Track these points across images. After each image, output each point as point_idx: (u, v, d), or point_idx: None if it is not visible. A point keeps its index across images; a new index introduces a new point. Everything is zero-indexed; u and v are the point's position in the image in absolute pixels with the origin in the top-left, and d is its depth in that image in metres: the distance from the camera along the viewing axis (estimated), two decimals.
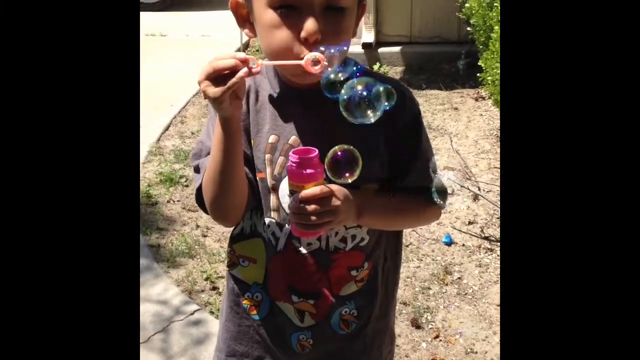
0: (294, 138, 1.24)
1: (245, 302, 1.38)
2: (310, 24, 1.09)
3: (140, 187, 3.87)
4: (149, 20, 8.25)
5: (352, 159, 1.15)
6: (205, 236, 3.41)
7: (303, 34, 1.10)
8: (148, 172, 4.12)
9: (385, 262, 1.38)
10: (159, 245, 3.32)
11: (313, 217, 1.15)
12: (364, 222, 1.28)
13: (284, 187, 1.23)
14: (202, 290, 2.97)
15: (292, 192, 1.17)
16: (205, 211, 1.28)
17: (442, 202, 1.38)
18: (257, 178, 1.28)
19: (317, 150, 1.16)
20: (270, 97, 1.27)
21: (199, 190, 1.26)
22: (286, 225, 1.28)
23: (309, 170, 1.15)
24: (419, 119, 1.32)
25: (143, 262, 3.15)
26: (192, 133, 4.76)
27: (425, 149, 1.32)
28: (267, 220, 1.30)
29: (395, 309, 1.51)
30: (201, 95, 5.54)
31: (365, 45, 6.00)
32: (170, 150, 4.45)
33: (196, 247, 3.30)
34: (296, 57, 1.11)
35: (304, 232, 1.22)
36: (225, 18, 7.33)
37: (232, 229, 1.39)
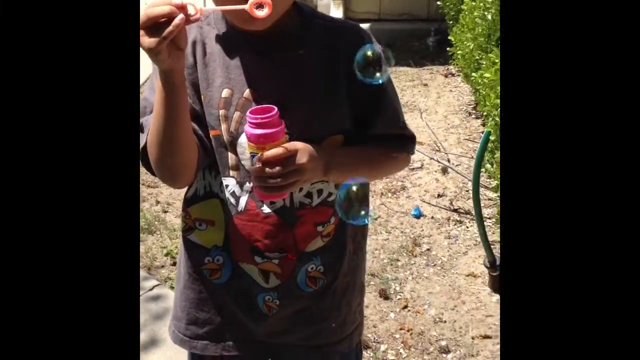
0: (248, 92, 1.23)
1: (205, 267, 1.37)
2: None
3: None
4: None
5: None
6: (165, 212, 3.44)
7: None
8: None
9: None
10: None
11: (278, 179, 1.15)
12: (332, 178, 1.28)
13: (243, 143, 1.23)
14: (162, 266, 3.01)
15: (253, 155, 1.16)
16: (153, 173, 1.26)
17: (411, 149, 1.40)
18: (211, 135, 1.26)
19: (275, 108, 1.15)
20: (220, 48, 1.26)
21: (144, 149, 1.22)
22: (247, 183, 1.28)
23: (269, 130, 1.14)
24: None
25: None
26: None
27: (391, 96, 1.33)
28: (225, 179, 1.29)
29: (365, 262, 1.53)
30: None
31: None
32: None
33: (156, 223, 3.32)
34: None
35: (268, 195, 1.22)
36: None
37: (185, 191, 1.38)
